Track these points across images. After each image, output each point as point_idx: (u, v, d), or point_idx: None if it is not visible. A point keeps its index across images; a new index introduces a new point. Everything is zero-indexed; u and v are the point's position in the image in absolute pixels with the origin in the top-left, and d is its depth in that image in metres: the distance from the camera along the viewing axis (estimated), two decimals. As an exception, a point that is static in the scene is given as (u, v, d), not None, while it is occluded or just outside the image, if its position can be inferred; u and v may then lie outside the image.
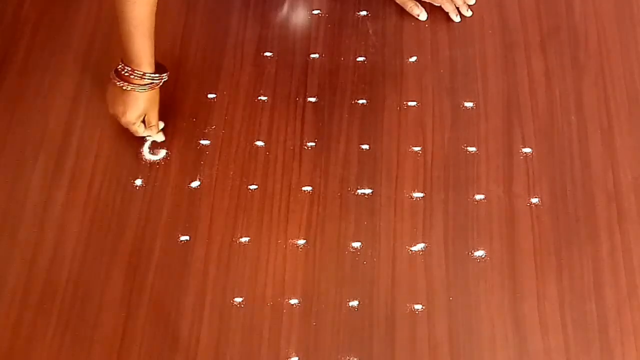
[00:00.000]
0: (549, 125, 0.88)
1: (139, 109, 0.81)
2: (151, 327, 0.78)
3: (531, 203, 0.83)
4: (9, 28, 0.97)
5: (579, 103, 0.90)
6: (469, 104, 0.90)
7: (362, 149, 0.87)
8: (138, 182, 0.86)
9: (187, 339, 0.77)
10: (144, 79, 0.78)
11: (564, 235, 0.82)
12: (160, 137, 0.87)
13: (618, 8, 0.96)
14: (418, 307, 0.78)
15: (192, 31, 0.96)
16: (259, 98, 0.91)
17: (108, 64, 0.93)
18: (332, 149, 0.88)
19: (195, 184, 0.86)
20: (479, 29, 0.96)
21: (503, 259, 0.80)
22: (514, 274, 0.79)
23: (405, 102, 0.90)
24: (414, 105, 0.90)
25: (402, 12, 0.97)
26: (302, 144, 0.88)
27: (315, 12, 0.98)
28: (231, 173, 0.86)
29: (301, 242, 0.82)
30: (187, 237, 0.82)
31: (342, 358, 0.76)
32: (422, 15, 0.96)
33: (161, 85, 0.82)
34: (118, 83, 0.79)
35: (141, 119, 0.83)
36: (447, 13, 0.96)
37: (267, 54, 0.94)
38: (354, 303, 0.79)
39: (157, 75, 0.80)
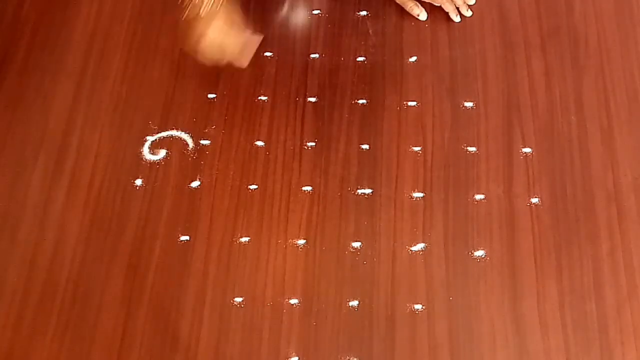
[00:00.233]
0: (549, 125, 0.88)
1: None
2: (151, 327, 0.78)
3: (531, 203, 0.83)
4: (9, 28, 0.97)
5: (579, 103, 0.90)
6: (469, 104, 0.90)
7: (362, 149, 0.87)
8: (138, 182, 0.86)
9: (187, 339, 0.77)
10: None
11: (564, 235, 0.82)
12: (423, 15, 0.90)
13: (618, 8, 0.96)
14: (418, 307, 0.78)
15: (192, 31, 0.96)
16: (259, 98, 0.91)
17: (108, 64, 0.94)
18: (332, 149, 0.88)
19: (195, 184, 0.86)
20: (479, 29, 0.96)
21: (503, 259, 0.80)
22: (514, 274, 0.79)
23: (405, 102, 0.90)
24: (414, 105, 0.90)
25: (402, 12, 0.97)
26: (302, 144, 0.88)
27: (315, 12, 0.98)
28: (231, 173, 0.86)
29: (301, 242, 0.82)
30: (187, 237, 0.82)
31: (342, 358, 0.76)
32: (422, 15, 0.96)
33: None
34: None
35: None
36: (447, 13, 0.96)
37: (267, 54, 0.94)
38: (354, 303, 0.79)
39: None
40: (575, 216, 0.83)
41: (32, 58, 0.95)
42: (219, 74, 0.93)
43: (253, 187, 0.85)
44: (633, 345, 0.76)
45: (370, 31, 0.96)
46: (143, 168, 0.87)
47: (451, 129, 0.88)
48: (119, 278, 0.80)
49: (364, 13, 0.97)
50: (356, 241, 0.82)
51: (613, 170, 0.85)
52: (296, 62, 0.94)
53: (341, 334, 0.77)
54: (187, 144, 0.88)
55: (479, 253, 0.81)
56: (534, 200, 0.84)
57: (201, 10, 0.78)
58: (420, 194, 0.84)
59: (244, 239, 0.82)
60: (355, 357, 0.76)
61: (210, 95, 0.92)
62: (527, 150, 0.87)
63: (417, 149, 0.87)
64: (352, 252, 0.81)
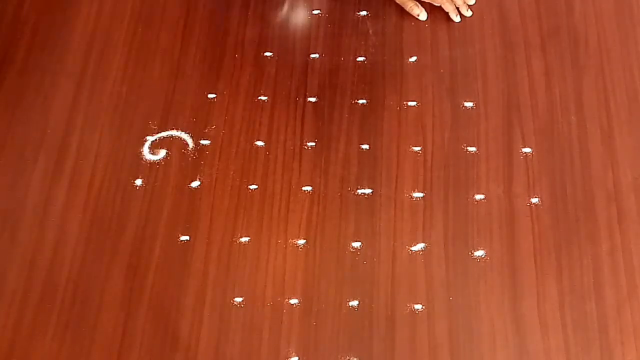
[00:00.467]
0: (549, 125, 0.88)
1: None
2: (151, 327, 0.78)
3: (531, 203, 0.83)
4: (9, 28, 0.97)
5: (579, 103, 0.90)
6: (469, 104, 0.90)
7: (362, 149, 0.88)
8: (138, 182, 0.86)
9: (187, 339, 0.77)
10: None
11: (564, 235, 0.82)
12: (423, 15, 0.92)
13: (618, 8, 0.97)
14: (418, 307, 0.78)
15: (192, 31, 0.96)
16: (259, 98, 0.91)
17: (108, 64, 0.94)
18: (332, 149, 0.88)
19: (195, 184, 0.86)
20: (479, 29, 0.96)
21: (503, 259, 0.80)
22: (514, 274, 0.80)
23: (405, 102, 0.90)
24: (414, 105, 0.90)
25: (402, 12, 0.97)
26: (302, 144, 0.88)
27: (315, 12, 0.98)
28: (231, 173, 0.86)
29: (301, 242, 0.82)
30: (187, 237, 0.82)
31: (342, 358, 0.76)
32: (422, 15, 0.96)
33: None
34: None
35: None
36: (447, 13, 0.96)
37: (267, 54, 0.94)
38: (354, 303, 0.79)
39: None
40: (575, 216, 0.83)
41: (32, 58, 0.95)
42: (219, 74, 0.93)
43: (253, 187, 0.85)
44: (633, 345, 0.76)
45: (370, 31, 0.96)
46: (143, 168, 0.87)
47: (451, 129, 0.88)
48: (119, 278, 0.80)
49: (364, 13, 0.97)
50: (356, 241, 0.82)
51: (613, 170, 0.85)
52: (296, 62, 0.94)
53: (341, 334, 0.77)
54: (187, 144, 0.88)
55: (479, 253, 0.81)
56: (534, 200, 0.84)
57: None
58: (420, 194, 0.84)
59: (244, 239, 0.82)
60: (355, 357, 0.76)
61: (210, 95, 0.92)
62: (527, 150, 0.87)
63: (417, 149, 0.87)
64: (352, 252, 0.81)
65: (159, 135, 0.89)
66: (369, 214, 0.83)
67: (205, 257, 0.81)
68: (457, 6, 0.96)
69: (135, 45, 0.96)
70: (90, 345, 0.77)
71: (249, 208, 0.84)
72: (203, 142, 0.88)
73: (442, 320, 0.77)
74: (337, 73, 0.93)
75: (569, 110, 0.89)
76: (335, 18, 0.97)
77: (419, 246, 0.81)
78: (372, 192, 0.85)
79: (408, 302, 0.78)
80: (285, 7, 0.99)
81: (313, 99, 0.91)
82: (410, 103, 0.90)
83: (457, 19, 0.96)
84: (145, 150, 0.88)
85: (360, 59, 0.94)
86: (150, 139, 0.88)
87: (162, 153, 0.88)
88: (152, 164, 0.87)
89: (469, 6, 0.97)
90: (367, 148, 0.88)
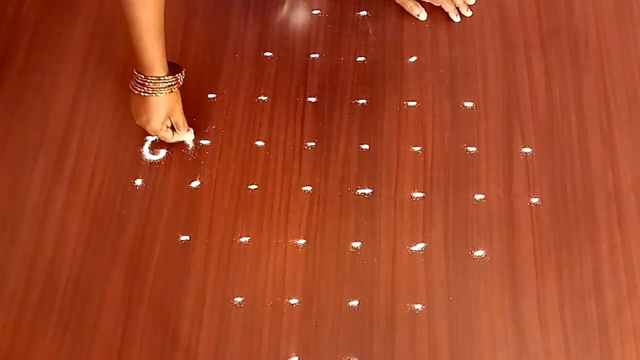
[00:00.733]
0: (549, 125, 0.88)
1: (161, 114, 0.81)
2: (151, 327, 0.78)
3: (531, 203, 0.83)
4: (9, 28, 0.97)
5: (579, 103, 0.90)
6: (469, 104, 0.90)
7: (362, 149, 0.88)
8: (138, 182, 0.86)
9: (187, 339, 0.77)
10: (160, 83, 0.79)
11: (564, 235, 0.82)
12: (190, 137, 0.88)
13: (618, 8, 0.97)
14: (418, 307, 0.78)
15: (192, 31, 0.96)
16: (259, 98, 0.91)
17: (108, 64, 0.94)
18: (332, 149, 0.88)
19: (195, 184, 0.86)
20: (479, 29, 0.96)
21: (503, 259, 0.80)
22: (514, 274, 0.80)
23: (405, 102, 0.90)
24: (414, 105, 0.90)
25: (402, 12, 0.97)
26: (302, 144, 0.88)
27: (315, 12, 0.98)
28: (231, 173, 0.86)
29: (301, 242, 0.82)
30: (187, 237, 0.82)
31: (342, 358, 0.76)
32: (422, 15, 0.96)
33: (180, 86, 0.82)
34: (136, 91, 0.79)
35: (166, 124, 0.83)
36: (447, 13, 0.96)
37: (267, 54, 0.94)
38: (354, 303, 0.79)
39: (171, 77, 0.80)
40: (575, 216, 0.83)
41: (32, 58, 0.95)
42: (219, 74, 0.93)
43: (253, 187, 0.85)
44: (633, 345, 0.76)
45: (370, 31, 0.96)
46: (143, 168, 0.87)
47: (451, 129, 0.88)
48: (119, 278, 0.80)
49: (364, 13, 0.97)
50: (356, 241, 0.82)
51: (613, 170, 0.85)
52: (296, 62, 0.94)
53: (341, 334, 0.77)
54: (187, 144, 0.88)
55: (479, 253, 0.81)
56: (534, 200, 0.84)
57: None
58: (420, 194, 0.84)
59: (244, 239, 0.82)
60: (355, 357, 0.76)
61: (210, 95, 0.92)
62: (527, 150, 0.87)
63: (417, 149, 0.87)
64: (352, 252, 0.81)
65: (159, 135, 0.89)
66: (369, 214, 0.83)
67: (205, 257, 0.81)
68: (457, 6, 0.96)
69: (135, 45, 0.96)
70: (90, 345, 0.77)
71: (249, 208, 0.84)
72: (203, 142, 0.88)
73: (442, 320, 0.77)
74: (337, 73, 0.93)
75: (569, 110, 0.89)
76: (335, 18, 0.97)
77: (419, 246, 0.81)
78: (372, 192, 0.85)
79: (408, 302, 0.78)
80: (285, 7, 0.99)
81: (313, 99, 0.91)
82: (410, 103, 0.90)
83: (457, 19, 0.96)
84: (146, 150, 0.88)
85: (360, 59, 0.94)
86: (150, 139, 0.88)
87: (162, 153, 0.88)
88: (152, 164, 0.87)
89: (469, 6, 0.97)
90: (367, 148, 0.88)
